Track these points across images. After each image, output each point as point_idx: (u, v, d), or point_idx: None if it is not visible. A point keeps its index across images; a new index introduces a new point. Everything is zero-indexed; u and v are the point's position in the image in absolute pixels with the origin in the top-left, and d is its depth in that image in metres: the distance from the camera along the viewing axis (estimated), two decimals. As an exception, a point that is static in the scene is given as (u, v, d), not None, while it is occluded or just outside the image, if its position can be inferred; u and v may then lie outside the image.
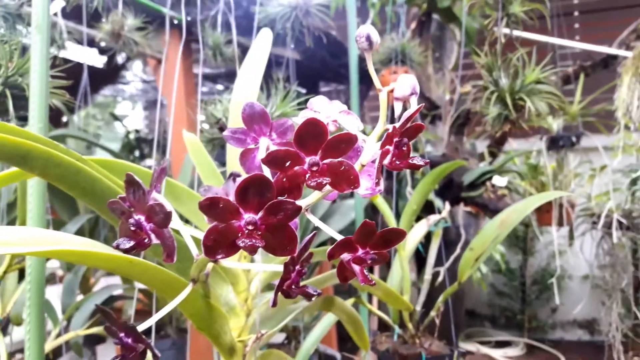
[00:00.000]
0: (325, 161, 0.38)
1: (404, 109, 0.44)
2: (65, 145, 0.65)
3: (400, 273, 1.19)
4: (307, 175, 0.37)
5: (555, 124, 2.65)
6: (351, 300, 1.13)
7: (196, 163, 0.70)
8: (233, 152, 0.71)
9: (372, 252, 0.40)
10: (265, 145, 0.45)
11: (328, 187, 0.38)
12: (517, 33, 1.26)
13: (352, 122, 0.45)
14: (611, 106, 2.52)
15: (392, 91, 0.43)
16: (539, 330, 4.61)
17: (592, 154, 3.04)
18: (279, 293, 0.45)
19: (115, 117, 3.75)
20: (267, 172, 0.45)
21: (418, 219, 1.22)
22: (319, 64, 3.00)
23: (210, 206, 0.36)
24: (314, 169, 0.37)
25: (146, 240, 0.40)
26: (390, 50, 1.57)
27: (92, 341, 1.93)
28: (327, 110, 0.45)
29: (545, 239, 4.45)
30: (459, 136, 1.58)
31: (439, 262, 1.27)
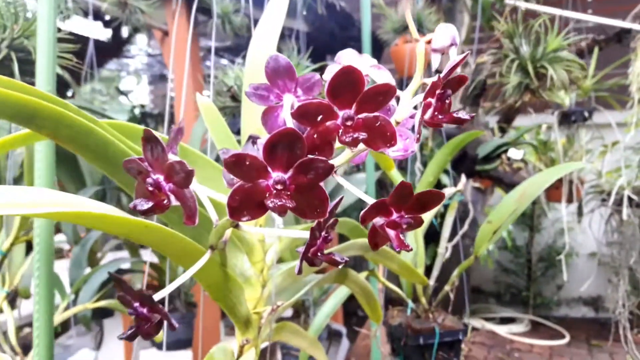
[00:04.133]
0: (360, 115, 0.35)
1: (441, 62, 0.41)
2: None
3: (415, 246, 1.17)
4: (340, 131, 0.34)
5: (568, 99, 2.60)
6: (364, 274, 1.11)
7: (210, 128, 0.66)
8: (248, 117, 0.68)
9: (407, 216, 0.38)
10: (290, 102, 0.42)
11: (361, 146, 0.35)
12: (530, 6, 1.21)
13: (385, 77, 0.41)
14: (625, 81, 2.47)
15: (429, 42, 0.40)
16: (543, 307, 4.61)
17: (604, 129, 2.99)
18: (304, 261, 0.43)
19: (121, 92, 3.71)
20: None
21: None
22: (327, 37, 2.94)
23: (236, 163, 0.33)
24: (348, 123, 0.34)
25: (165, 202, 0.37)
26: (404, 19, 1.52)
27: (100, 314, 1.93)
28: (357, 64, 0.42)
29: (552, 215, 4.42)
30: (474, 107, 1.54)
31: (453, 236, 1.24)
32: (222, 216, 0.48)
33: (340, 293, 1.06)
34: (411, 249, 0.37)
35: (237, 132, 0.78)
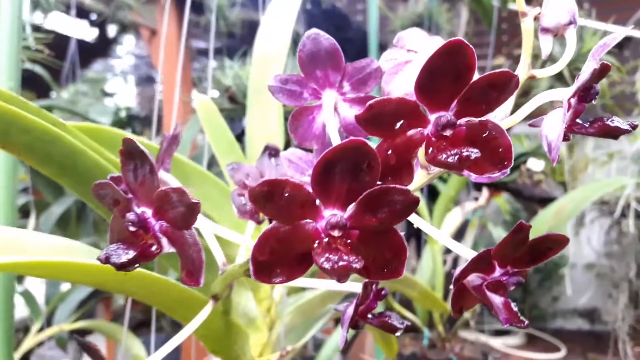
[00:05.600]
0: (461, 121, 0.22)
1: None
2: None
3: (432, 267, 1.04)
4: (431, 146, 0.22)
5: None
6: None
7: (210, 135, 0.54)
8: (256, 120, 0.56)
9: (513, 270, 0.25)
10: (332, 101, 0.30)
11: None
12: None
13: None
14: (631, 88, 2.38)
15: (537, 18, 0.28)
16: (539, 319, 4.50)
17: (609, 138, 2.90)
18: (350, 326, 0.30)
19: (106, 94, 3.56)
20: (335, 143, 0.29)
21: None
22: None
23: (270, 194, 0.20)
24: (446, 133, 0.21)
25: (154, 248, 0.24)
26: (414, 16, 1.40)
27: (80, 333, 1.78)
28: (427, 48, 0.29)
29: (549, 225, 4.32)
30: (490, 114, 1.42)
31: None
32: (230, 256, 0.36)
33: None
34: (527, 325, 0.24)
35: (236, 139, 0.65)
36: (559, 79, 0.96)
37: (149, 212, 0.24)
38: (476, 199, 1.08)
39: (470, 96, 0.22)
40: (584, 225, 2.90)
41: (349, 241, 0.22)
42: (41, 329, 1.41)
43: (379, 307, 0.34)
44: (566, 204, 0.89)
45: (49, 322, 1.44)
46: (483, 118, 0.22)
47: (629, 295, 3.05)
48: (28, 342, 1.34)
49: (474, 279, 0.26)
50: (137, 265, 0.24)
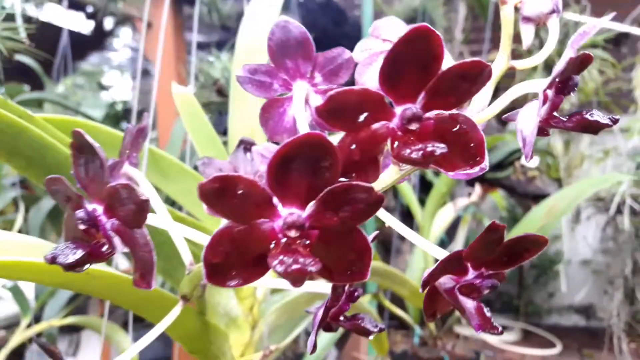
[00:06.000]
0: (430, 114, 0.21)
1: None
2: (42, 113, 0.47)
3: (423, 265, 1.03)
4: (397, 140, 0.20)
5: (568, 102, 2.48)
6: (367, 297, 0.97)
7: (190, 129, 0.52)
8: (238, 113, 0.54)
9: (488, 272, 0.24)
10: (303, 92, 0.28)
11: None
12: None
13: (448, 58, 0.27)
14: (627, 85, 2.37)
15: (517, 6, 0.26)
16: (535, 315, 4.50)
17: (605, 134, 2.89)
18: (320, 328, 0.29)
19: (102, 87, 3.53)
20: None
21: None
22: (320, 33, 2.81)
23: (222, 192, 0.19)
24: (412, 127, 0.20)
25: (105, 249, 0.23)
26: (409, 10, 1.38)
27: (73, 329, 1.77)
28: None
29: (544, 222, 4.31)
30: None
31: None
32: (200, 256, 0.34)
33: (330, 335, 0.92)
34: (502, 332, 0.23)
35: (224, 133, 0.64)
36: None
37: (100, 210, 0.23)
38: (469, 194, 1.07)
39: (439, 88, 0.20)
40: (580, 221, 2.89)
41: (308, 242, 0.20)
42: (29, 325, 1.39)
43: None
44: (559, 201, 0.88)
45: (39, 318, 1.43)
46: (454, 111, 0.21)
47: (624, 291, 3.04)
48: (16, 338, 1.33)
49: (446, 281, 0.24)
50: (87, 266, 0.23)
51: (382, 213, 0.26)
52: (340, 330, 0.93)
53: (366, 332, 0.29)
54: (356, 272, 0.22)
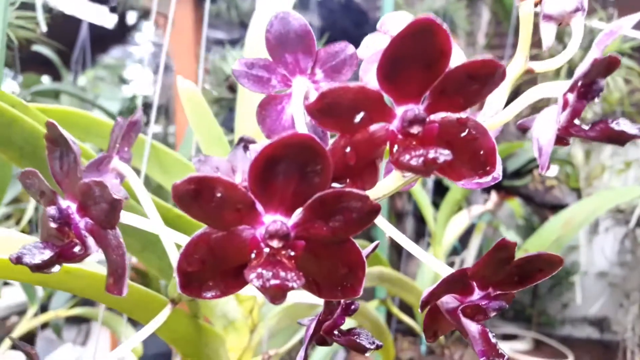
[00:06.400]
0: (434, 116, 0.19)
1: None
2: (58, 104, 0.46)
3: (434, 272, 1.00)
4: (397, 144, 0.18)
5: (590, 111, 2.43)
6: (374, 303, 0.95)
7: (194, 125, 0.50)
8: (245, 110, 0.52)
9: (496, 292, 0.22)
10: (303, 89, 0.26)
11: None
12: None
13: (458, 53, 0.25)
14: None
15: (538, 3, 0.24)
16: (547, 326, 4.43)
17: (627, 145, 2.82)
18: (312, 341, 0.27)
19: (123, 80, 3.55)
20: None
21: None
22: (340, 33, 2.79)
23: (198, 194, 0.17)
24: (414, 130, 0.18)
25: (77, 249, 0.21)
26: (430, 11, 1.35)
27: (82, 319, 1.77)
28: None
29: (561, 232, 4.24)
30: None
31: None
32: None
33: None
34: (508, 359, 0.21)
35: (233, 130, 0.62)
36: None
37: (73, 207, 0.21)
38: (485, 201, 1.04)
39: (445, 88, 0.18)
40: (598, 233, 2.83)
41: (293, 253, 0.18)
42: (36, 315, 1.39)
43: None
44: (577, 212, 0.85)
45: (46, 307, 1.43)
46: (462, 115, 0.19)
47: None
48: (22, 327, 1.33)
49: (449, 300, 0.22)
50: (56, 267, 0.21)
51: (382, 223, 0.24)
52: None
53: (362, 349, 0.27)
54: (348, 288, 0.20)
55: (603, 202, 0.83)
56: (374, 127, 0.19)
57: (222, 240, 0.18)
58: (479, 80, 0.18)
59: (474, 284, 0.21)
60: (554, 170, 1.46)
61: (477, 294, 0.21)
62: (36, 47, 1.56)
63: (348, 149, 0.19)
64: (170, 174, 0.49)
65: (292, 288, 0.17)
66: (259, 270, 0.17)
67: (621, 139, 0.19)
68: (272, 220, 0.18)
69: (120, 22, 3.02)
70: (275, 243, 0.18)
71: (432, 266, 0.24)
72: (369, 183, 0.20)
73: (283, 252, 0.18)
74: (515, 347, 4.31)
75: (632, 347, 2.91)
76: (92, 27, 2.18)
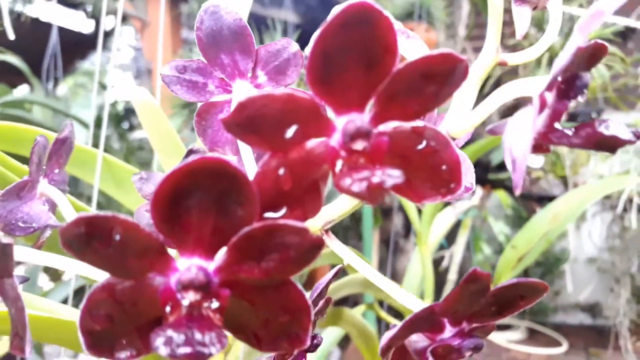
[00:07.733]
0: (383, 127, 0.15)
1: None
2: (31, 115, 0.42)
3: (420, 271, 0.97)
4: (340, 163, 0.15)
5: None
6: (361, 309, 0.91)
7: (149, 133, 0.47)
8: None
9: (471, 326, 0.18)
10: (245, 95, 0.23)
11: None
12: None
13: (417, 49, 0.22)
14: (635, 81, 2.30)
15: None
16: (540, 314, 4.44)
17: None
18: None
19: (104, 87, 3.48)
20: (247, 152, 0.22)
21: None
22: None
23: (91, 238, 0.14)
24: (358, 146, 0.14)
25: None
26: (407, 4, 1.31)
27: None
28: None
29: (550, 220, 4.25)
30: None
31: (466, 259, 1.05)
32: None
33: (330, 336, 0.86)
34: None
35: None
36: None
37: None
38: (472, 195, 1.01)
39: (394, 91, 0.14)
40: (586, 219, 2.83)
41: (218, 304, 0.15)
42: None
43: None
44: (565, 205, 0.82)
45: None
46: (418, 123, 0.15)
47: (630, 290, 2.99)
48: (2, 347, 1.28)
49: (417, 339, 0.19)
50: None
51: (338, 247, 0.21)
52: (342, 331, 0.86)
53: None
54: (293, 338, 0.16)
55: (590, 194, 0.80)
56: (311, 144, 0.15)
57: (129, 291, 0.15)
58: (436, 79, 0.14)
59: (446, 321, 0.18)
60: (539, 162, 1.44)
61: (448, 331, 0.18)
62: (3, 57, 1.50)
63: (282, 171, 0.15)
64: (124, 187, 0.45)
65: (210, 355, 0.13)
66: (168, 332, 0.13)
67: (612, 145, 0.15)
68: (186, 266, 0.14)
69: (98, 27, 2.96)
70: (191, 295, 0.14)
71: (398, 298, 0.20)
72: (311, 211, 0.16)
73: (205, 304, 0.14)
74: (509, 337, 4.31)
75: (624, 331, 2.91)
76: (70, 33, 2.12)
